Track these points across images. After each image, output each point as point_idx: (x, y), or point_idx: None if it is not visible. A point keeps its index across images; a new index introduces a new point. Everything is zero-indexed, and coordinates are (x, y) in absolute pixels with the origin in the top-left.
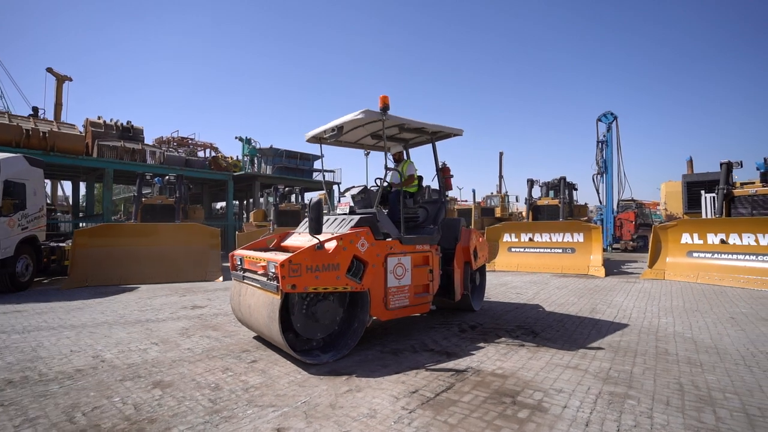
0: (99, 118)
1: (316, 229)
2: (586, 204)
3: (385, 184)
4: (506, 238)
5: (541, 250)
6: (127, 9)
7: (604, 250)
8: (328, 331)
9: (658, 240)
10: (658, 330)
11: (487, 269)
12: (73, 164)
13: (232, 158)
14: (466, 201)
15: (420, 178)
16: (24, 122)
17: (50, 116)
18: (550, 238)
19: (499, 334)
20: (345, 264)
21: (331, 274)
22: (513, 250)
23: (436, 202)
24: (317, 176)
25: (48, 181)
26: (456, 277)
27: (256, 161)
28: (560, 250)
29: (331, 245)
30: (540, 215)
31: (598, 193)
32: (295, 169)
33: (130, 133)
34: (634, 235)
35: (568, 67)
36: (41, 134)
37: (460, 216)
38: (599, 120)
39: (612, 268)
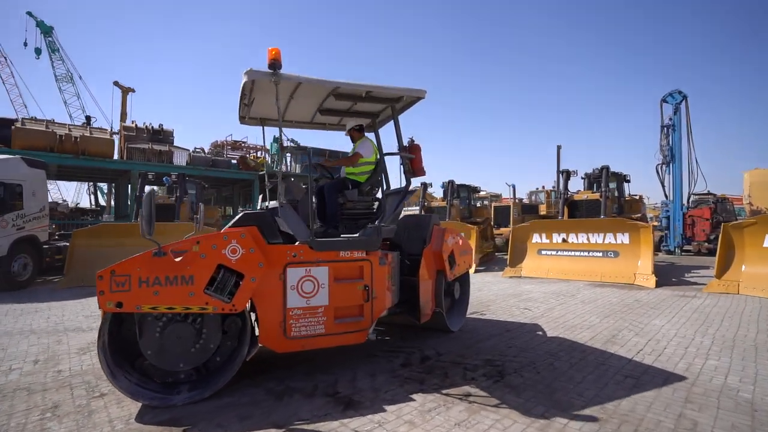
0: (132, 122)
1: (147, 228)
2: (640, 197)
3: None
4: (535, 238)
5: (577, 253)
6: (178, 27)
7: (670, 252)
8: (196, 361)
9: (729, 242)
10: (697, 381)
11: (512, 275)
12: (101, 167)
13: (256, 157)
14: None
15: (381, 159)
16: (59, 128)
17: (116, 124)
18: (588, 239)
19: (450, 374)
20: (204, 276)
21: (179, 290)
22: (543, 252)
23: (398, 192)
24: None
25: (84, 183)
26: (423, 291)
27: (285, 160)
28: (600, 254)
29: (179, 251)
30: (577, 212)
31: (663, 187)
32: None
33: (160, 135)
34: (711, 236)
35: (623, 37)
36: (73, 139)
37: (498, 214)
38: (664, 101)
39: (671, 275)
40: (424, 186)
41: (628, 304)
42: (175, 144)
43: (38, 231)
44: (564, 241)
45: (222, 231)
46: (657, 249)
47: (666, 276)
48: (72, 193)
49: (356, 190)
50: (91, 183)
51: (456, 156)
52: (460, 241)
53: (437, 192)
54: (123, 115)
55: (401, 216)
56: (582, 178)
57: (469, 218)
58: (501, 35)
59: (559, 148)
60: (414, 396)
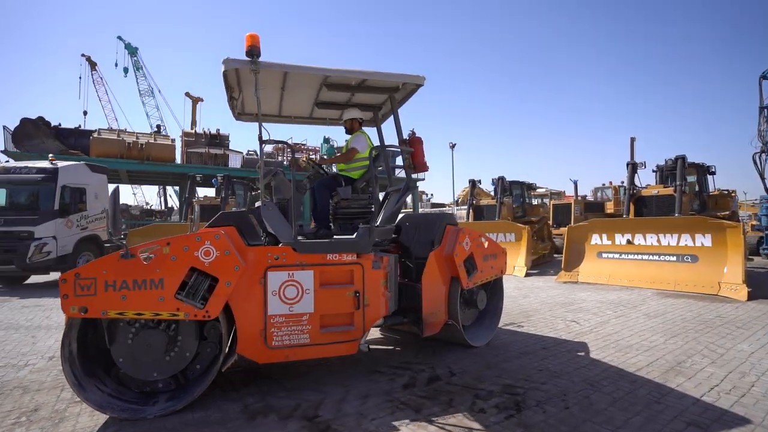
0: (192, 128)
1: (112, 228)
2: (729, 192)
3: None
4: (595, 239)
5: (645, 257)
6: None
7: None
8: (171, 370)
9: None
10: None
11: (567, 280)
12: (162, 170)
13: (308, 158)
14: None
15: (377, 157)
16: (128, 137)
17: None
18: (659, 241)
19: (456, 401)
20: (174, 280)
21: (148, 295)
22: (604, 255)
23: (399, 190)
24: (399, 172)
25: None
26: (427, 299)
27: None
28: (674, 258)
29: (149, 252)
30: (646, 209)
31: (763, 180)
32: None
33: (217, 140)
34: None
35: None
36: (139, 146)
37: (557, 213)
38: (764, 77)
39: None
40: (473, 183)
41: (706, 321)
42: (230, 147)
43: (100, 231)
44: (629, 242)
45: (197, 232)
46: (755, 253)
47: (763, 287)
48: (154, 197)
49: (349, 187)
50: (161, 186)
51: (517, 151)
52: (485, 244)
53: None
54: (193, 123)
55: (411, 215)
56: (653, 170)
57: (522, 217)
58: (570, 15)
59: (632, 140)
60: (401, 428)
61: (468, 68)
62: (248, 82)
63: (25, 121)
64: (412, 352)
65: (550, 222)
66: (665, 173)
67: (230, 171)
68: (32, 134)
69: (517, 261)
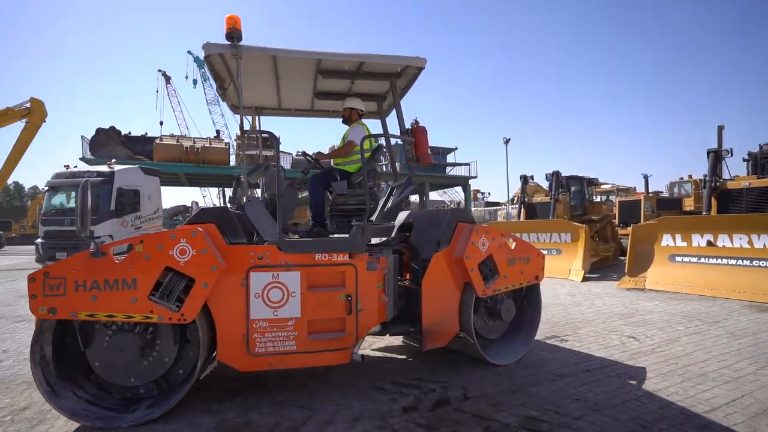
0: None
1: (81, 225)
2: None
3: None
4: (666, 240)
5: (733, 262)
6: None
7: None
8: (150, 375)
9: None
10: None
11: (631, 286)
12: (216, 173)
13: (303, 152)
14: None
15: (377, 149)
16: (186, 141)
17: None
18: (751, 242)
19: None
20: (148, 280)
21: (120, 296)
22: (678, 259)
23: (403, 185)
24: (451, 171)
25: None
26: (428, 307)
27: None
28: None
29: (122, 251)
30: (733, 204)
31: None
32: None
33: (268, 141)
34: None
35: None
36: (196, 150)
37: (625, 211)
38: None
39: None
40: (524, 179)
41: None
42: (280, 149)
43: (153, 230)
44: (710, 244)
45: (173, 229)
46: None
47: None
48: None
49: (345, 182)
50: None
51: (582, 145)
52: (512, 244)
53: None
54: (253, 127)
55: (423, 212)
56: (744, 159)
57: (581, 216)
58: None
59: (720, 128)
60: None
61: (523, 56)
62: (246, 72)
63: (99, 131)
64: (429, 365)
65: (616, 221)
66: (761, 161)
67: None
68: (105, 142)
69: (573, 264)
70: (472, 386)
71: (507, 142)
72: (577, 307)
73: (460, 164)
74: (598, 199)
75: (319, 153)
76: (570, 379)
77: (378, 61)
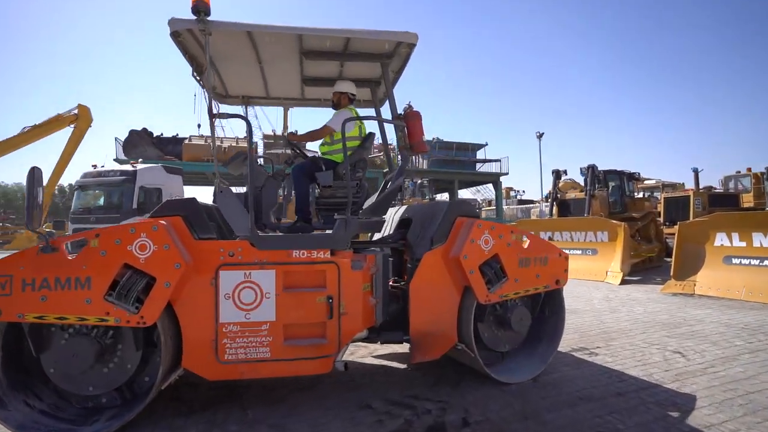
0: (272, 131)
1: (29, 219)
2: None
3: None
4: (720, 240)
5: None
6: None
7: None
8: (111, 383)
9: None
10: None
11: (677, 291)
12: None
13: (283, 133)
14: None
15: (368, 136)
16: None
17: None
18: None
19: None
20: (104, 278)
21: (73, 296)
22: (735, 261)
23: (394, 176)
24: (481, 167)
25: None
26: (417, 314)
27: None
28: None
29: (76, 246)
30: None
31: None
32: (452, 161)
33: (294, 147)
34: None
35: None
36: (223, 149)
37: (671, 208)
38: None
39: None
40: (557, 174)
41: None
42: (308, 148)
43: None
44: None
45: (133, 222)
46: None
47: None
48: None
49: (330, 172)
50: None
51: (622, 140)
52: (525, 243)
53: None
54: (285, 127)
55: (422, 205)
56: None
57: (620, 213)
58: None
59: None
60: None
61: (558, 42)
62: (227, 56)
63: (132, 133)
64: (430, 381)
65: (661, 219)
66: None
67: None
68: (137, 143)
69: (610, 265)
70: (476, 409)
71: (540, 136)
72: (612, 314)
73: (490, 160)
74: (641, 196)
75: (291, 134)
76: (596, 404)
77: (364, 37)
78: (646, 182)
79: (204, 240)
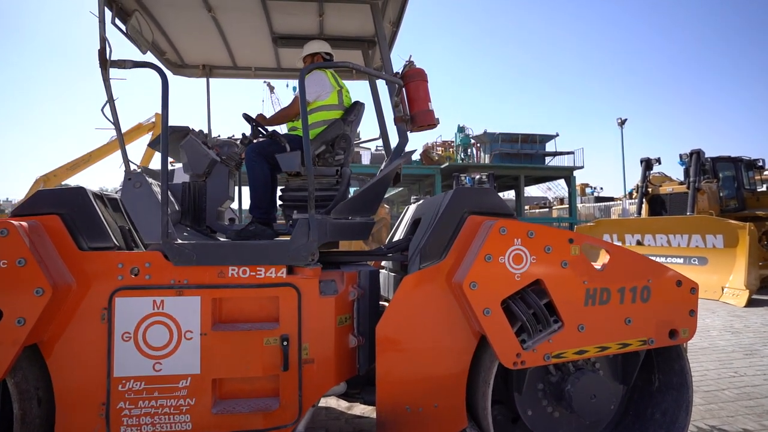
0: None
1: None
2: None
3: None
4: None
5: None
6: None
7: None
8: None
9: None
10: None
11: None
12: None
13: (444, 151)
14: None
15: (354, 106)
16: None
17: None
18: None
19: None
20: None
21: None
22: None
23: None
24: (551, 161)
25: None
26: (388, 370)
27: (470, 151)
28: None
29: None
30: None
31: None
32: (517, 155)
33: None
34: None
35: None
36: None
37: None
38: None
39: None
40: (647, 164)
41: None
42: (361, 145)
43: None
44: None
45: None
46: None
47: None
48: None
49: (297, 153)
50: None
51: (728, 123)
52: (602, 259)
53: (674, 171)
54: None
55: (431, 199)
56: None
57: (737, 211)
58: None
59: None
60: None
61: (645, 14)
62: (178, 17)
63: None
64: None
65: None
66: None
67: (361, 168)
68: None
69: (728, 279)
70: None
71: (622, 123)
72: (749, 357)
73: (561, 153)
74: (764, 189)
75: (260, 115)
76: None
77: None
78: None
79: (94, 251)
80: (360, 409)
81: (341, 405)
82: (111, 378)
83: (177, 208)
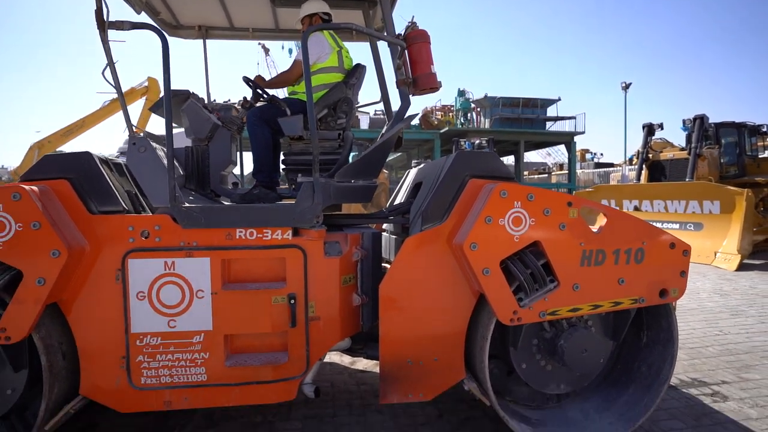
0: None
1: None
2: None
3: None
4: None
5: None
6: None
7: None
8: None
9: None
10: None
11: None
12: None
13: (444, 115)
14: None
15: (355, 68)
16: None
17: None
18: None
19: None
20: None
21: None
22: None
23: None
24: (552, 126)
25: None
26: (391, 327)
27: (470, 115)
28: None
29: None
30: None
31: None
32: (517, 120)
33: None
34: None
35: None
36: None
37: None
38: None
39: None
40: (649, 129)
41: None
42: (360, 109)
43: None
44: None
45: None
46: None
47: None
48: None
49: (299, 117)
50: None
51: (742, 89)
52: (599, 221)
53: (676, 137)
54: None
55: (432, 162)
56: None
57: (737, 177)
58: None
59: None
60: None
61: None
62: None
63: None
64: (433, 412)
65: None
66: None
67: (360, 132)
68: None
69: (722, 244)
70: None
71: (626, 87)
72: (735, 317)
73: (563, 118)
74: (766, 155)
75: (259, 77)
76: None
77: None
78: None
79: (104, 214)
80: (363, 364)
81: (345, 360)
82: (129, 334)
83: (182, 173)
